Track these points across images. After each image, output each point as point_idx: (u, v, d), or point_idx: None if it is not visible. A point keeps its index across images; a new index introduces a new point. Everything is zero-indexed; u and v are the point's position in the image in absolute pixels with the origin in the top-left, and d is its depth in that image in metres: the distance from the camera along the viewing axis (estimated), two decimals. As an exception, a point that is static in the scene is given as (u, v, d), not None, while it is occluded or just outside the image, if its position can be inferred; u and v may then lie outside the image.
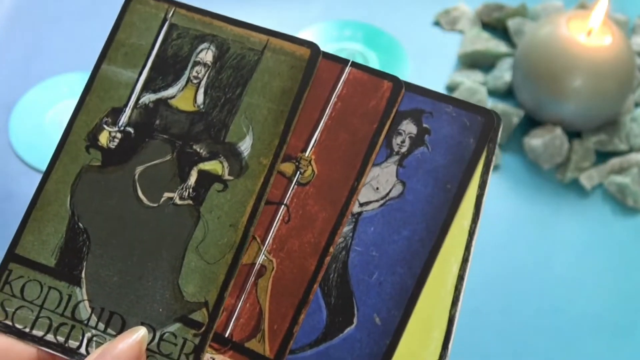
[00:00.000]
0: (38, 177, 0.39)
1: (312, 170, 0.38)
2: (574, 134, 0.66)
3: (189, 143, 0.38)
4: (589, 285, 0.59)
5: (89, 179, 0.38)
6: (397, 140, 0.38)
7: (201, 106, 0.39)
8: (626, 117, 0.67)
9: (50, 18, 0.74)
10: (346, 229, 0.37)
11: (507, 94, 0.70)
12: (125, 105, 0.39)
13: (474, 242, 0.36)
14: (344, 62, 0.39)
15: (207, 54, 0.39)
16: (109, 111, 0.39)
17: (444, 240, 0.36)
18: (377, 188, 0.38)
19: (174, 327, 0.36)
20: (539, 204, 0.63)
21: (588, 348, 0.56)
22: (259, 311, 0.36)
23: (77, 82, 0.69)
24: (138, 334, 0.35)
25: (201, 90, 0.39)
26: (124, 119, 0.39)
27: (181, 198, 0.37)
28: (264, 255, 0.37)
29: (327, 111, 0.39)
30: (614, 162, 0.65)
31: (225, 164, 0.38)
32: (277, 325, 0.36)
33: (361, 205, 0.37)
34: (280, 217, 0.37)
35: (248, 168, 0.37)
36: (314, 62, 0.39)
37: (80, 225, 0.38)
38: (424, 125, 0.38)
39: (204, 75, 0.39)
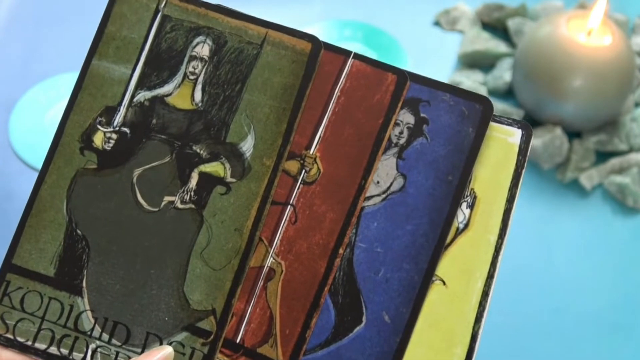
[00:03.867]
0: (38, 177, 0.40)
1: (318, 168, 0.39)
2: (574, 134, 0.69)
3: (188, 143, 0.39)
4: (589, 285, 0.62)
5: (85, 183, 0.39)
6: (395, 131, 0.40)
7: (199, 104, 0.40)
8: (626, 117, 0.70)
9: (50, 18, 0.77)
10: None
11: (507, 94, 0.72)
12: (120, 103, 0.40)
13: (500, 258, 0.38)
14: (346, 53, 0.41)
15: (203, 48, 0.40)
16: (103, 110, 0.40)
17: (448, 234, 0.38)
18: (378, 182, 0.39)
19: (181, 336, 0.37)
20: (539, 204, 0.66)
21: (588, 348, 0.59)
22: (269, 316, 0.38)
23: (77, 82, 0.74)
24: (164, 352, 0.36)
25: (199, 87, 0.40)
26: (118, 118, 0.40)
27: (182, 202, 0.39)
28: (272, 258, 0.39)
29: (331, 106, 0.40)
30: (614, 162, 0.67)
31: (227, 166, 0.39)
32: (288, 329, 0.38)
33: None
34: (287, 218, 0.39)
35: (251, 169, 0.39)
36: (316, 56, 0.40)
37: (79, 232, 0.39)
38: (422, 114, 0.40)
39: (201, 71, 0.40)
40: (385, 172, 0.39)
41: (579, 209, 0.66)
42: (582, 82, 0.65)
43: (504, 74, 0.72)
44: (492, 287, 0.37)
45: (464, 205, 0.39)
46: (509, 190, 0.39)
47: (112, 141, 0.39)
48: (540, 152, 0.67)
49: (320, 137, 0.40)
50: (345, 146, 0.40)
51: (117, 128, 0.40)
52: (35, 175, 0.40)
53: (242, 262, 0.38)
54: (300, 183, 0.39)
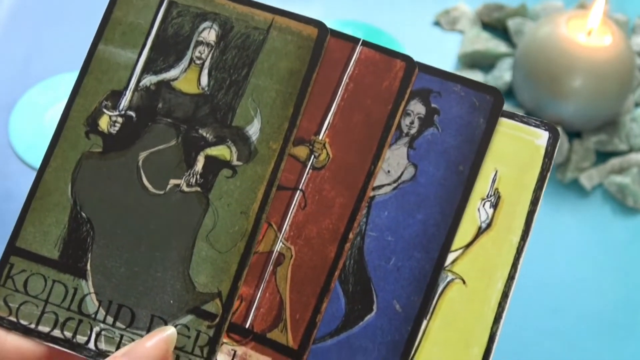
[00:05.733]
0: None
1: (327, 153, 0.40)
2: (574, 134, 0.71)
3: (194, 127, 0.40)
4: (589, 285, 0.63)
5: (90, 166, 0.40)
6: (405, 121, 0.41)
7: (206, 88, 0.41)
8: (626, 117, 0.72)
9: (50, 18, 0.78)
10: None
11: (507, 94, 0.74)
12: (126, 87, 0.41)
13: (521, 260, 0.38)
14: (354, 40, 0.42)
15: (209, 33, 0.41)
16: (109, 94, 0.41)
17: (459, 224, 0.39)
18: (389, 171, 0.40)
19: (186, 318, 0.38)
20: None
21: (588, 348, 0.60)
22: (279, 300, 0.39)
23: (77, 81, 0.76)
24: (166, 333, 0.36)
25: (205, 72, 0.41)
26: (124, 102, 0.41)
27: (188, 185, 0.39)
28: (281, 243, 0.39)
29: (339, 92, 0.41)
30: (614, 162, 0.69)
31: (234, 149, 0.40)
32: (299, 314, 0.38)
33: (373, 189, 0.40)
34: (297, 203, 0.40)
35: (257, 153, 0.40)
36: (322, 42, 0.41)
37: (83, 214, 0.39)
38: (433, 105, 0.41)
39: (208, 56, 0.41)
40: (396, 162, 0.40)
41: (579, 209, 0.68)
42: (582, 82, 0.67)
43: (504, 74, 0.74)
44: (512, 288, 0.38)
45: (487, 204, 0.39)
46: (534, 192, 0.39)
47: (118, 125, 0.40)
48: (540, 152, 0.69)
49: (329, 123, 0.41)
50: (354, 132, 0.40)
51: (123, 112, 0.40)
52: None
53: (248, 244, 0.39)
54: (310, 168, 0.40)
